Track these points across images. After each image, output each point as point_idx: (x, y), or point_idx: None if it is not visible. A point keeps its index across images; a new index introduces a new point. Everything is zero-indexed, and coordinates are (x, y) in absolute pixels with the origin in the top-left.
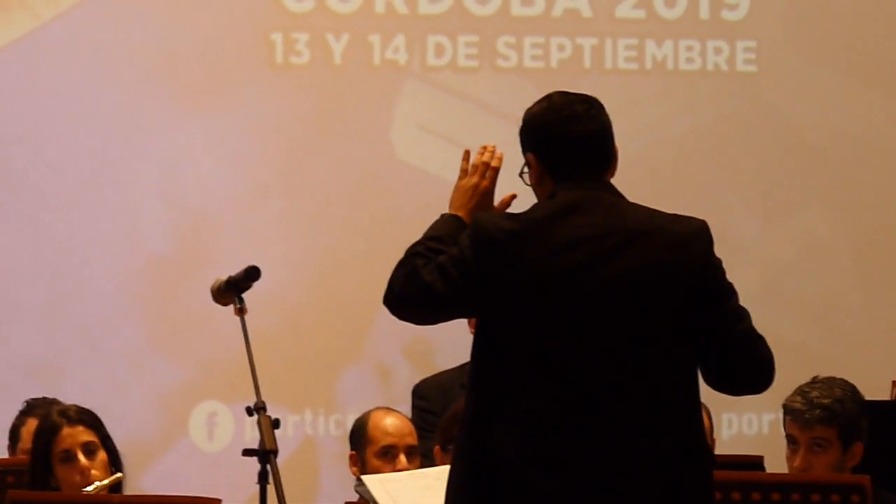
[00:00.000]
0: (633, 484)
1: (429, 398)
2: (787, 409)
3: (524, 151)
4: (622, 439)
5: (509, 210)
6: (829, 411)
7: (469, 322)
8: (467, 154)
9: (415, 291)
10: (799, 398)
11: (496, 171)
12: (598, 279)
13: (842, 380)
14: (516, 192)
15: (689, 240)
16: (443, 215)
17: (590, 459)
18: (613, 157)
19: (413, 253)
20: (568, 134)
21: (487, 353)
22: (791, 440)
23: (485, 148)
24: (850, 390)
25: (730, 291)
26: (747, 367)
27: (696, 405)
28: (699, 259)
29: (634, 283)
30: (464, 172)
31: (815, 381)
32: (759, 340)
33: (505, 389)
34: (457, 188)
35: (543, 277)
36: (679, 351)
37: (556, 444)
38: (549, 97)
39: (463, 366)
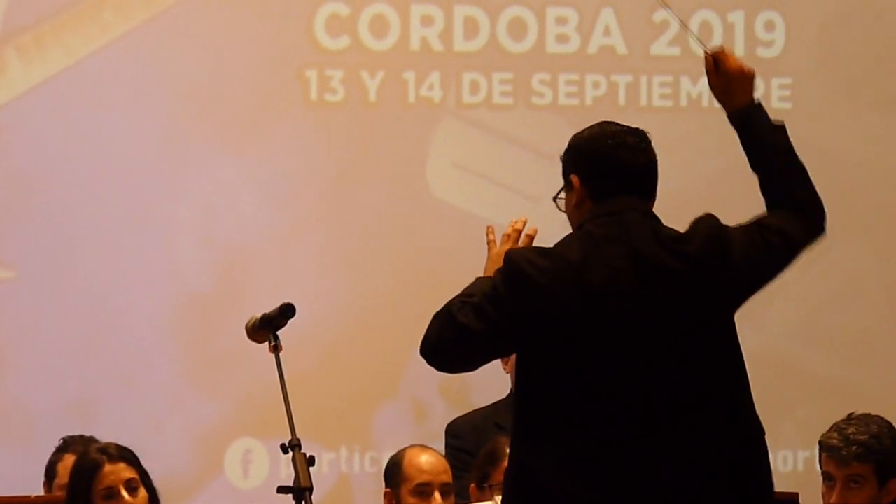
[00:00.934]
0: None
1: (462, 437)
2: (824, 446)
3: (567, 174)
4: (670, 473)
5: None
6: (866, 448)
7: (503, 361)
8: (491, 229)
9: (451, 335)
10: (836, 435)
11: (530, 238)
12: (635, 310)
13: (878, 416)
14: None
15: (709, 248)
16: (478, 278)
17: (638, 494)
18: (654, 194)
19: (449, 305)
20: (618, 160)
21: (529, 389)
22: (827, 477)
23: (516, 221)
24: (887, 427)
25: (747, 246)
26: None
27: (749, 428)
28: (724, 261)
29: (670, 307)
30: (491, 244)
31: (850, 417)
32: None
33: (547, 426)
34: (489, 258)
35: (578, 312)
36: (725, 374)
37: (602, 480)
38: (600, 124)
39: (496, 404)
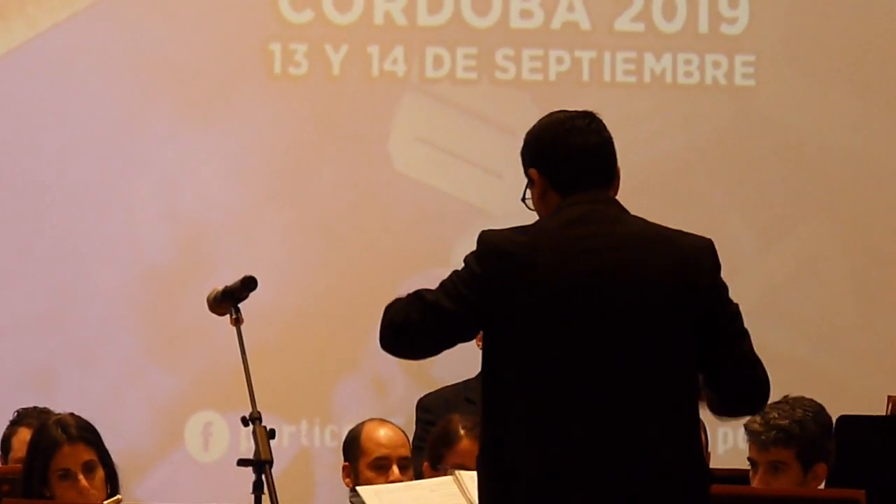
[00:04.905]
0: (639, 499)
1: (433, 411)
2: (746, 431)
3: (526, 169)
4: (630, 453)
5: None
6: (786, 432)
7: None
8: None
9: (419, 316)
10: (758, 419)
11: None
12: (606, 293)
13: (809, 400)
14: (522, 214)
15: (697, 256)
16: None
17: (598, 473)
18: (616, 174)
19: (398, 300)
20: (571, 145)
21: (499, 368)
22: (751, 462)
23: None
24: (814, 411)
25: (735, 312)
26: (748, 388)
27: (697, 419)
28: (706, 277)
29: (642, 296)
30: None
31: (781, 400)
32: (759, 363)
33: (516, 403)
34: None
35: (552, 291)
36: (683, 365)
37: (566, 458)
38: (549, 115)
39: (467, 381)
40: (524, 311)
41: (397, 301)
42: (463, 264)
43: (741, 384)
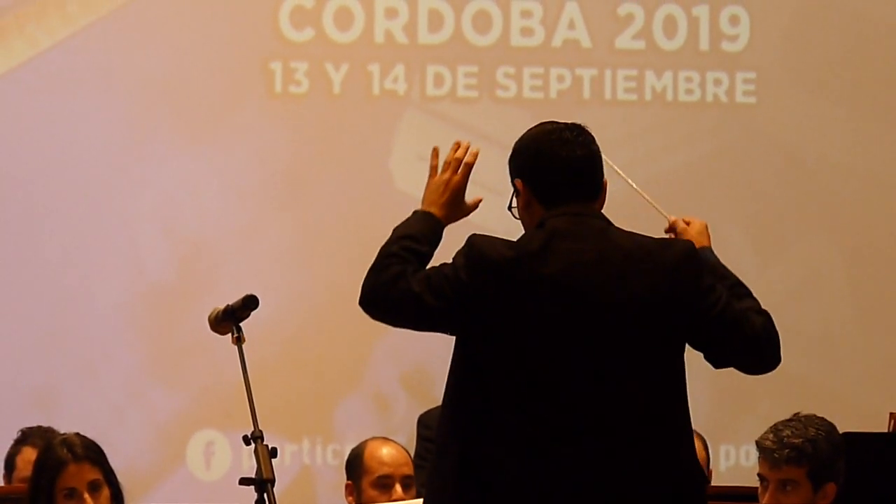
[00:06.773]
0: None
1: (434, 427)
2: (758, 447)
3: (512, 178)
4: (618, 467)
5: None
6: (799, 451)
7: None
8: (436, 151)
9: (402, 298)
10: (770, 436)
11: (469, 166)
12: (591, 306)
13: (821, 419)
14: (521, 231)
15: (678, 265)
16: (415, 212)
17: (585, 487)
18: (603, 187)
19: (389, 254)
20: (557, 156)
21: (476, 379)
22: (761, 478)
23: (458, 144)
24: (826, 430)
25: (717, 298)
26: (751, 348)
27: (688, 428)
28: (688, 284)
29: (627, 309)
30: (433, 170)
31: (793, 418)
32: (746, 316)
33: (496, 417)
34: (427, 185)
35: (538, 305)
36: (672, 375)
37: (549, 472)
38: (538, 125)
39: None
40: (508, 324)
41: (385, 265)
42: (451, 262)
43: (738, 346)
